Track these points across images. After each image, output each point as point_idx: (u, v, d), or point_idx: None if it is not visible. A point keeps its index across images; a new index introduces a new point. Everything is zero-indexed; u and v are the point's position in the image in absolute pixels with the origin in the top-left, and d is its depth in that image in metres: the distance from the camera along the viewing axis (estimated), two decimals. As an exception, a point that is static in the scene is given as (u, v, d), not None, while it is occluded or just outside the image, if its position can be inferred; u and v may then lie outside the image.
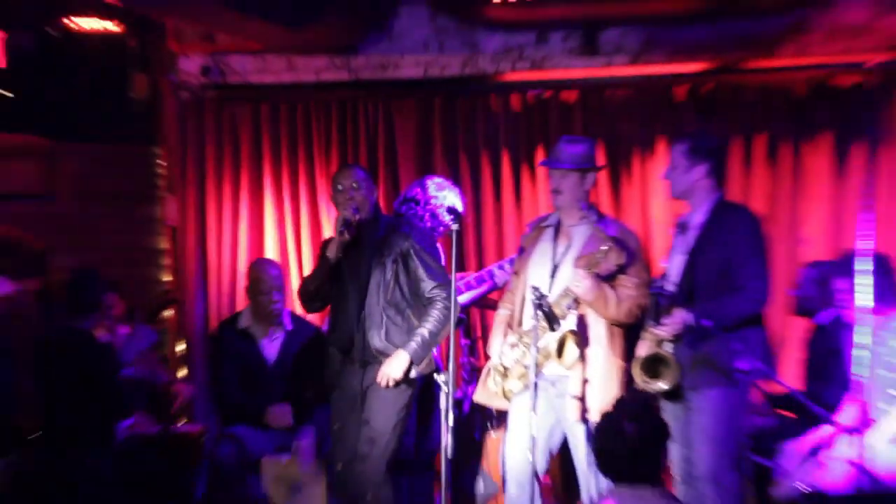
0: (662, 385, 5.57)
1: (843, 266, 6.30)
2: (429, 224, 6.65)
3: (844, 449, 5.86)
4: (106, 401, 6.39)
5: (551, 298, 5.78)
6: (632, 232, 6.20)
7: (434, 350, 6.23)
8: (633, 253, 5.90)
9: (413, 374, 6.06)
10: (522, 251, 6.22)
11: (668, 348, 5.58)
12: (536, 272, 5.99)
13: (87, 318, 6.49)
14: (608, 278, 5.82)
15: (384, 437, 6.03)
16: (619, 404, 4.52)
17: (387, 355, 6.01)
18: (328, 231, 7.51)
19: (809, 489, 5.91)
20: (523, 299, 5.92)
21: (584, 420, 5.78)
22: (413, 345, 6.00)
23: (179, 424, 7.46)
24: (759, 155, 7.74)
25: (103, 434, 6.45)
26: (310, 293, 6.39)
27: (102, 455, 6.39)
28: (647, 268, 6.01)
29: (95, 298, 6.56)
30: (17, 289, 6.77)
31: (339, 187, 6.16)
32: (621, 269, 5.83)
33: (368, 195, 6.18)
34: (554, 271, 5.94)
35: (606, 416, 4.35)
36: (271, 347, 7.22)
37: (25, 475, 6.11)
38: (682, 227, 5.88)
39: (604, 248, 5.71)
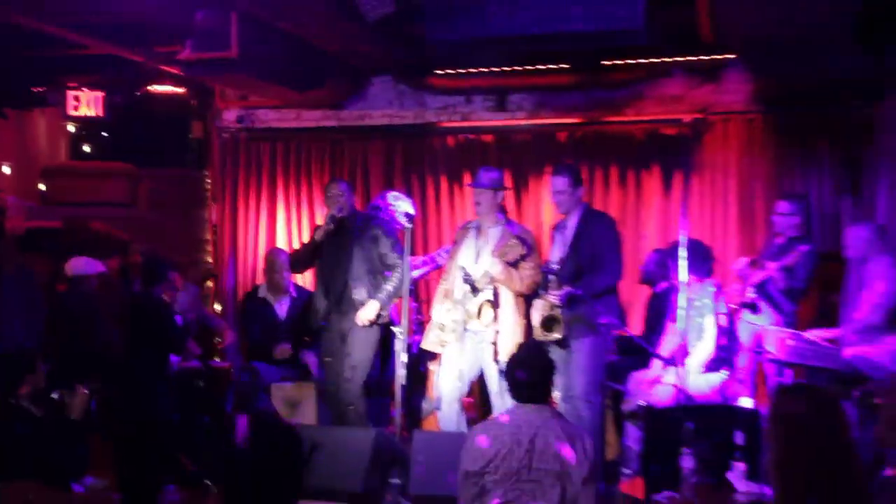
0: (556, 336, 5.97)
1: (671, 252, 6.45)
2: (390, 223, 6.97)
3: (669, 377, 6.23)
4: (168, 343, 6.83)
5: (475, 276, 6.27)
6: (529, 232, 6.69)
7: (391, 306, 6.68)
8: (530, 246, 6.33)
9: (381, 318, 6.54)
10: (455, 243, 6.67)
11: (557, 311, 5.96)
12: (465, 258, 6.41)
13: (156, 287, 6.88)
14: (514, 263, 6.25)
15: (362, 364, 6.55)
16: (522, 349, 4.65)
17: (364, 305, 6.52)
18: (320, 225, 7.42)
19: (646, 404, 6.11)
20: (456, 278, 6.34)
21: (496, 360, 6.21)
22: (381, 296, 6.53)
23: (215, 361, 7.80)
24: (613, 179, 8.29)
25: (163, 366, 6.84)
26: (298, 261, 7.02)
27: (163, 381, 6.81)
28: (539, 255, 6.44)
29: (163, 273, 6.92)
30: (105, 268, 7.30)
31: (329, 194, 6.80)
32: (523, 257, 6.25)
33: (349, 199, 6.77)
34: (477, 258, 6.38)
35: (513, 358, 4.34)
36: (281, 309, 7.67)
37: (111, 395, 6.27)
38: (560, 229, 6.33)
39: (511, 242, 6.21)
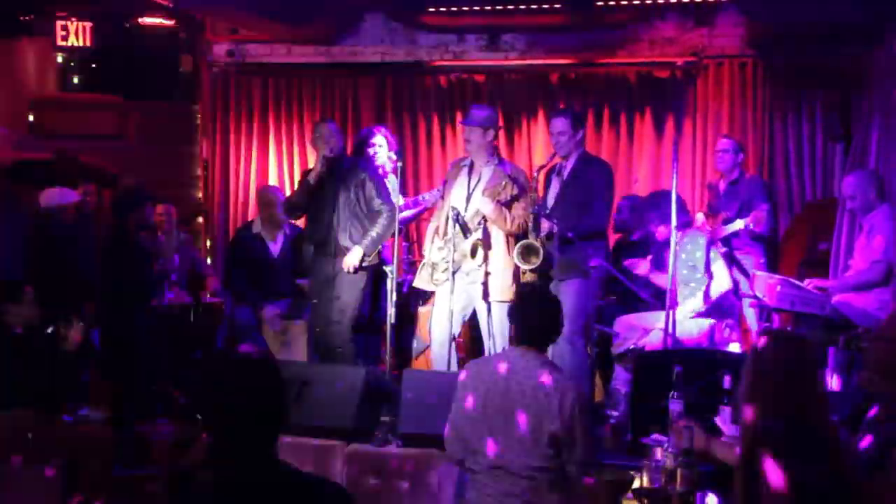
0: (533, 264, 6.00)
1: (654, 201, 6.63)
2: (379, 161, 6.97)
3: (658, 320, 6.18)
4: (139, 281, 6.78)
5: (466, 216, 6.21)
6: (522, 171, 6.60)
7: (381, 248, 6.60)
8: (522, 186, 6.28)
9: (366, 263, 6.46)
10: (446, 182, 6.60)
11: (535, 241, 6.01)
12: (457, 197, 6.33)
13: (128, 217, 6.77)
14: (506, 203, 6.22)
15: (350, 307, 6.50)
16: (530, 289, 4.64)
17: (349, 250, 6.45)
18: (311, 164, 7.29)
19: (634, 347, 6.25)
20: (447, 217, 6.21)
21: (487, 300, 6.24)
22: (366, 242, 6.43)
23: (207, 296, 7.64)
24: (605, 123, 8.28)
25: (139, 301, 6.78)
26: (293, 205, 6.85)
27: (142, 314, 6.75)
28: (531, 195, 6.26)
29: (133, 202, 6.83)
30: (80, 197, 7.18)
31: (317, 133, 6.66)
32: (514, 198, 6.24)
33: (338, 141, 6.64)
34: (468, 198, 6.31)
35: (522, 298, 4.32)
36: (275, 247, 7.54)
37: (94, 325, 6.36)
38: (558, 171, 6.31)
39: (503, 182, 6.20)
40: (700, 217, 6.99)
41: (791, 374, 3.09)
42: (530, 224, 6.17)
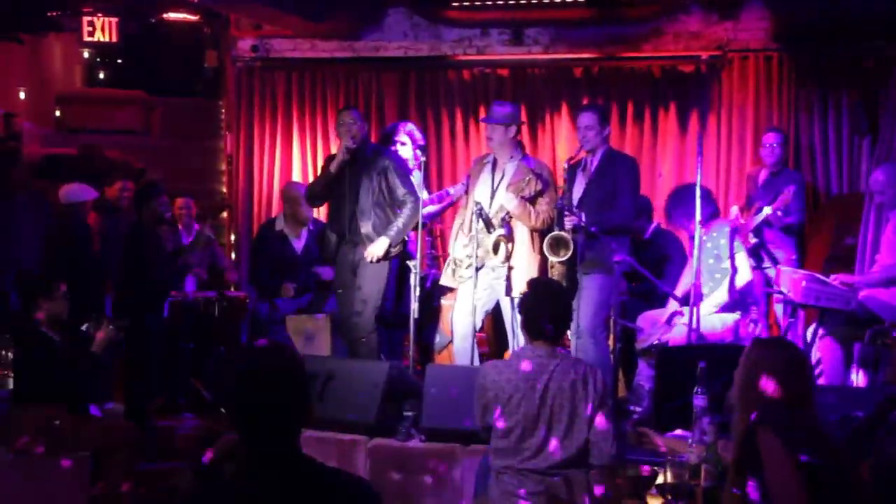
0: (563, 256, 5.95)
1: (679, 195, 6.52)
2: (403, 155, 6.89)
3: (682, 317, 6.17)
4: (155, 275, 6.73)
5: (490, 213, 6.19)
6: (546, 166, 6.55)
7: (407, 240, 6.59)
8: (546, 181, 6.27)
9: (391, 253, 6.41)
10: (470, 177, 6.56)
11: (565, 233, 5.93)
12: (480, 193, 6.31)
13: (145, 210, 6.76)
14: (530, 199, 6.19)
15: (373, 297, 6.45)
16: (538, 284, 4.46)
17: (372, 240, 6.38)
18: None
19: (658, 342, 6.17)
20: (472, 213, 6.18)
21: (510, 295, 6.21)
22: (391, 232, 6.38)
23: (230, 290, 7.69)
24: (629, 118, 8.22)
25: (155, 295, 6.78)
26: (315, 194, 6.79)
27: (158, 308, 6.79)
28: (555, 191, 6.30)
29: (149, 195, 6.81)
30: (99, 194, 7.24)
31: (341, 121, 6.56)
32: (539, 193, 6.21)
33: (361, 128, 6.53)
34: (493, 194, 6.29)
35: (530, 293, 4.26)
36: (299, 243, 7.52)
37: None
38: (584, 166, 6.25)
39: (527, 178, 6.17)
40: (734, 210, 6.89)
41: (781, 377, 3.23)
42: (554, 218, 6.14)
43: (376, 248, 6.41)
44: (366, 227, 6.43)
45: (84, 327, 5.64)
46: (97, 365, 5.57)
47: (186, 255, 7.35)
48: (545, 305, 4.12)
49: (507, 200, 6.20)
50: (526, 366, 4.04)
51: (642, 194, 7.23)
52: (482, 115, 7.88)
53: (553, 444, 3.94)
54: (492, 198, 6.30)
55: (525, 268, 6.25)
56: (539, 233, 6.27)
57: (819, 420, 3.33)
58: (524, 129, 8.02)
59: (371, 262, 6.41)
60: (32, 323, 5.47)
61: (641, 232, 7.24)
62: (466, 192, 6.58)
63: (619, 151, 6.66)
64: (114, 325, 5.66)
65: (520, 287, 6.13)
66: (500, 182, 6.32)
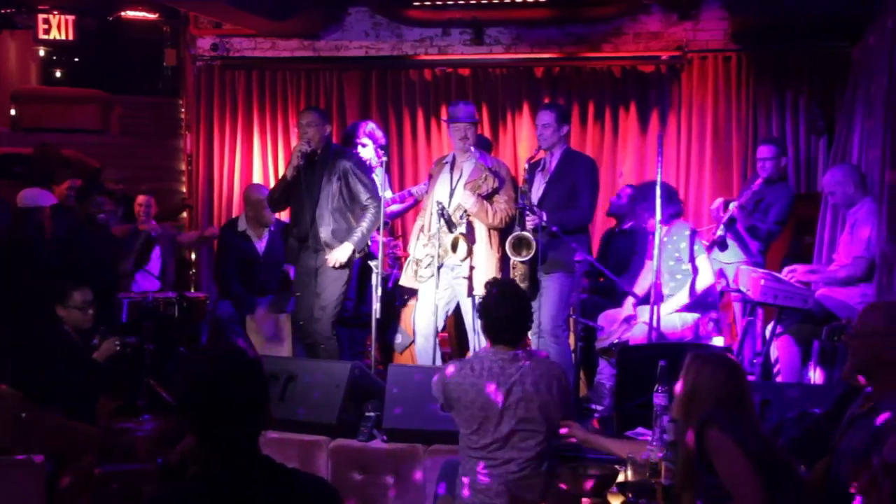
0: (525, 256, 6.01)
1: (643, 192, 6.55)
2: (364, 155, 6.83)
3: (642, 314, 6.20)
4: (93, 271, 6.54)
5: (450, 210, 6.18)
6: (504, 164, 6.59)
7: (369, 242, 6.47)
8: (503, 179, 6.30)
9: (355, 257, 6.35)
10: (431, 178, 6.59)
11: (526, 233, 5.99)
12: (440, 193, 6.32)
13: (88, 207, 6.68)
14: (487, 196, 6.22)
15: (331, 304, 6.35)
16: (496, 285, 4.31)
17: (332, 246, 6.27)
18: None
19: (619, 341, 6.20)
20: (431, 212, 6.24)
21: (471, 294, 6.20)
22: (355, 238, 6.28)
23: (190, 291, 7.75)
24: (590, 117, 8.31)
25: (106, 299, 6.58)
26: (275, 199, 6.71)
27: (110, 310, 6.63)
28: (515, 188, 6.30)
29: (89, 202, 6.76)
30: (57, 200, 7.07)
31: (300, 123, 6.43)
32: (495, 190, 6.24)
33: (320, 130, 6.35)
34: (451, 192, 6.29)
35: (488, 295, 4.18)
36: (261, 244, 7.49)
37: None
38: (542, 166, 6.30)
39: (483, 175, 6.20)
40: (719, 201, 6.82)
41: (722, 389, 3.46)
42: (516, 218, 6.15)
43: (340, 255, 6.33)
44: (325, 233, 6.35)
45: (96, 336, 5.69)
46: (98, 372, 5.60)
47: (123, 260, 7.23)
48: (505, 309, 4.07)
49: (464, 199, 6.22)
50: (487, 369, 4.02)
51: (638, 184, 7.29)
52: (443, 114, 7.84)
53: (515, 445, 3.95)
54: (450, 196, 6.32)
55: (485, 266, 6.27)
56: (498, 231, 6.30)
57: (756, 418, 3.57)
58: (486, 127, 8.26)
59: (334, 267, 6.33)
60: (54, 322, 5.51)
61: (623, 216, 7.28)
62: (427, 193, 6.59)
63: (577, 151, 6.71)
64: (119, 341, 5.70)
65: (480, 286, 6.07)
66: (458, 181, 6.34)
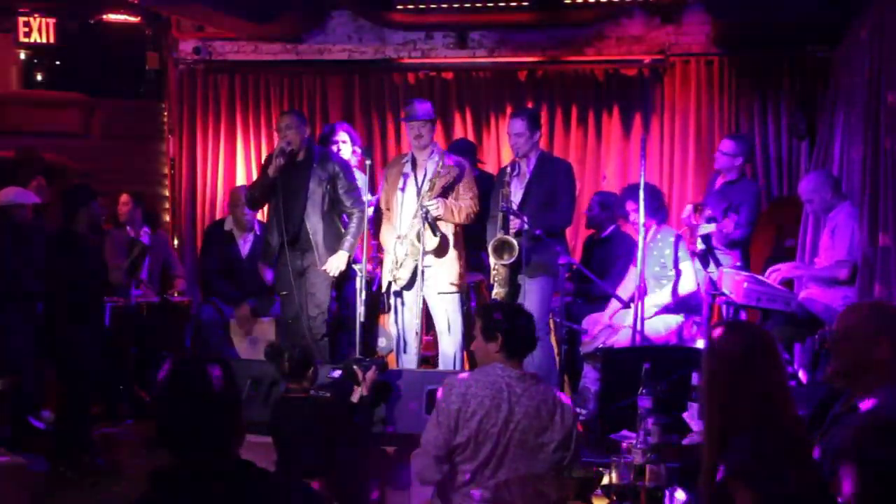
0: (507, 260, 6.06)
1: (628, 194, 6.59)
2: (344, 157, 6.91)
3: (626, 318, 6.32)
4: (88, 281, 6.39)
5: (415, 214, 6.19)
6: (465, 161, 6.51)
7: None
8: (463, 171, 6.32)
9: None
10: (386, 179, 6.56)
11: (509, 236, 6.05)
12: (411, 197, 6.31)
13: (77, 216, 6.33)
14: (449, 188, 6.23)
15: (325, 303, 6.49)
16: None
17: (319, 247, 6.38)
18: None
19: (603, 345, 6.30)
20: (401, 213, 6.29)
21: (438, 292, 6.29)
22: (347, 245, 6.41)
23: (174, 295, 7.59)
24: (573, 121, 8.33)
25: (91, 304, 6.44)
26: (254, 198, 6.77)
27: (93, 315, 6.45)
28: (476, 185, 6.35)
29: (81, 200, 6.39)
30: (39, 199, 6.83)
31: (279, 125, 6.49)
32: (456, 179, 6.25)
33: (300, 132, 6.41)
34: (418, 193, 6.26)
35: (505, 308, 4.24)
36: (245, 247, 7.56)
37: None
38: (518, 171, 6.33)
39: (440, 170, 6.21)
40: (688, 208, 6.79)
41: (748, 360, 3.05)
42: (499, 222, 6.17)
43: (339, 263, 6.43)
44: (314, 234, 6.42)
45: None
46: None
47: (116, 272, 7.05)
48: (523, 328, 4.05)
49: (433, 209, 6.17)
50: (495, 384, 3.98)
51: (610, 193, 7.35)
52: (402, 117, 7.53)
53: (508, 465, 3.91)
54: (418, 196, 6.30)
55: (451, 264, 6.33)
56: (463, 229, 6.36)
57: (799, 422, 3.14)
58: (469, 131, 8.30)
59: (333, 275, 6.43)
60: None
61: (599, 225, 7.28)
62: (387, 192, 6.56)
63: (551, 156, 6.82)
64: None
65: (444, 283, 6.27)
66: (423, 180, 6.34)
